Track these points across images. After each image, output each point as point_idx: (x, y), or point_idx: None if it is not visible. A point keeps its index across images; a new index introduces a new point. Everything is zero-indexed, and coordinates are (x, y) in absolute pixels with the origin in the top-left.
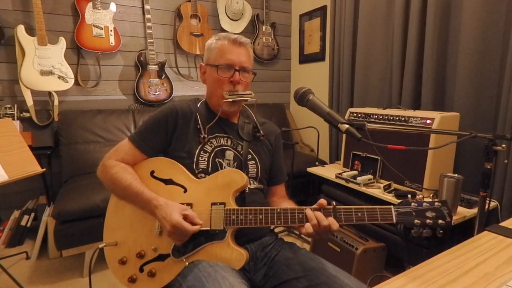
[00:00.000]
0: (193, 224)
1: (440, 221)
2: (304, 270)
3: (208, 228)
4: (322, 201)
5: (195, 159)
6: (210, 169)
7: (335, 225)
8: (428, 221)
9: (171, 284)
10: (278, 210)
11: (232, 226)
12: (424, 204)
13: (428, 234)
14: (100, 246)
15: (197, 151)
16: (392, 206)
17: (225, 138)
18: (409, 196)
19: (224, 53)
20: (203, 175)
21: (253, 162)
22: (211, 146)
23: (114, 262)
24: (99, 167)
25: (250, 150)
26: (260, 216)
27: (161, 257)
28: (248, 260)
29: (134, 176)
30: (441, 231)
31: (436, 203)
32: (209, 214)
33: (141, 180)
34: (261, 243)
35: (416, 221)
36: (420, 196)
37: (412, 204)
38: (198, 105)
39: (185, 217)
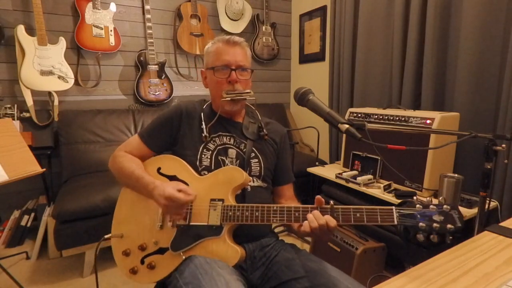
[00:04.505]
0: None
1: (449, 225)
2: (305, 271)
3: (205, 223)
4: (319, 198)
5: (198, 157)
6: (213, 166)
7: (332, 222)
8: (435, 225)
9: (169, 280)
10: (275, 207)
11: (228, 222)
12: (431, 206)
13: (435, 240)
14: (106, 236)
15: (200, 149)
16: (393, 207)
17: (228, 137)
18: (415, 198)
19: (219, 54)
20: (206, 172)
21: (256, 160)
22: (214, 145)
23: (118, 253)
24: (110, 159)
25: (254, 149)
26: (257, 213)
27: (161, 251)
28: (244, 258)
29: (139, 165)
30: (451, 237)
31: (445, 206)
32: (208, 209)
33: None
34: (260, 243)
35: (421, 224)
36: (428, 198)
37: (417, 206)
38: (204, 107)
39: (179, 191)
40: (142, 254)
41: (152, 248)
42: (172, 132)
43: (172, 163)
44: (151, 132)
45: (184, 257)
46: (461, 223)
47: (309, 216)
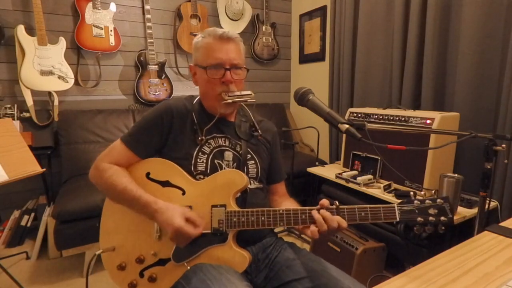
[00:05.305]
0: (196, 227)
1: (442, 217)
2: (306, 272)
3: (209, 231)
4: (324, 201)
5: (193, 161)
6: (209, 170)
7: (343, 223)
8: (430, 218)
9: (173, 287)
10: (281, 211)
11: (233, 228)
12: (427, 201)
13: (430, 231)
14: (97, 253)
15: (195, 152)
16: (395, 205)
17: (223, 139)
18: (411, 193)
19: (212, 51)
20: (202, 176)
21: (253, 161)
22: (209, 147)
23: (112, 267)
24: (92, 170)
25: (249, 150)
26: (263, 218)
27: (162, 262)
28: (250, 262)
29: (129, 179)
30: (443, 228)
31: (439, 200)
32: (210, 216)
33: (136, 183)
34: (262, 245)
35: (419, 219)
36: (422, 192)
37: (415, 202)
38: (194, 103)
39: (187, 220)
40: (141, 267)
41: (151, 260)
42: (162, 134)
43: (162, 167)
44: (138, 137)
45: (189, 267)
46: (452, 214)
47: (318, 218)
